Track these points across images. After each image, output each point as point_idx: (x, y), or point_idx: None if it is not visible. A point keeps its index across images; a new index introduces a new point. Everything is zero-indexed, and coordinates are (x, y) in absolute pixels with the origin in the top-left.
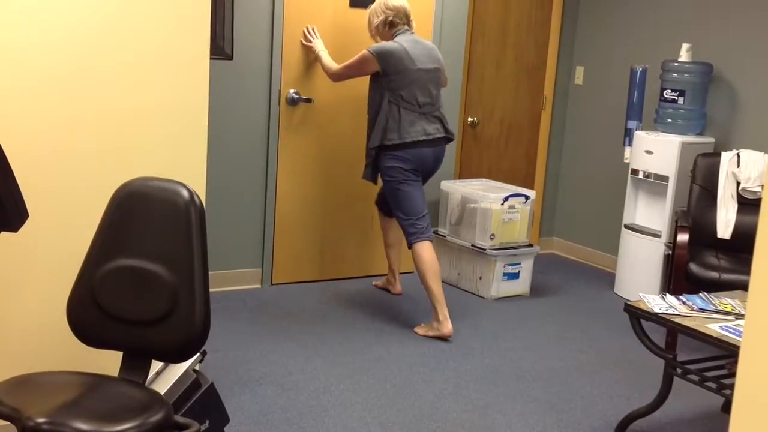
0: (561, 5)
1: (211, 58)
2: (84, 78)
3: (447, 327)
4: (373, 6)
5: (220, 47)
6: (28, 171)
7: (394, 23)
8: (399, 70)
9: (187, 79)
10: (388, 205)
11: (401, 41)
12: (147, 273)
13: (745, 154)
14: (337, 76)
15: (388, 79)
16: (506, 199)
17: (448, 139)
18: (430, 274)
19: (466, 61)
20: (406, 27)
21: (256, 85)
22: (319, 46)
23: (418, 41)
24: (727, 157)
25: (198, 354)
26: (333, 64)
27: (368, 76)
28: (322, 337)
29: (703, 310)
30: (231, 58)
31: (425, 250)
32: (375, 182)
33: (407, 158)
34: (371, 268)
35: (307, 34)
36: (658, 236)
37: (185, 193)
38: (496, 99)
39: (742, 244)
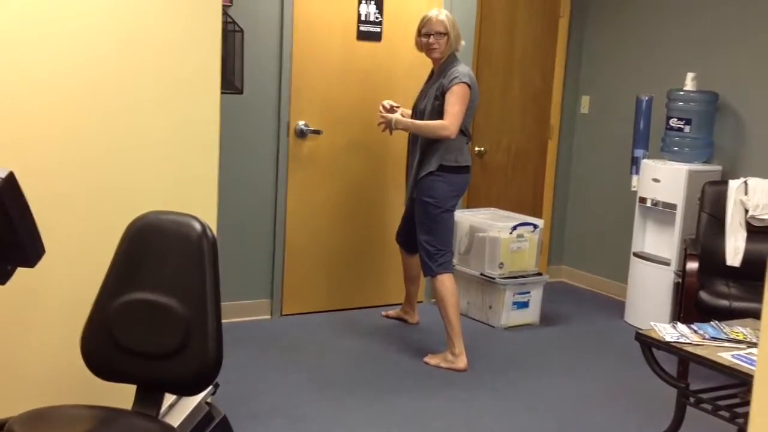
0: (566, 35)
1: (221, 93)
2: (96, 114)
3: (462, 361)
4: (449, 17)
5: (231, 82)
6: (42, 206)
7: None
8: (475, 96)
9: (199, 114)
10: (410, 242)
11: (468, 69)
12: (160, 306)
13: (752, 181)
14: (454, 125)
15: (468, 105)
16: (515, 228)
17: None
18: (452, 306)
19: None
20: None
21: (265, 118)
22: (399, 118)
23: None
24: (734, 185)
25: (211, 387)
26: (436, 121)
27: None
28: (333, 368)
29: (714, 338)
30: (241, 92)
31: (450, 281)
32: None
33: (458, 182)
34: (382, 298)
35: (385, 119)
36: (668, 264)
37: (198, 226)
38: (503, 128)
39: (752, 271)
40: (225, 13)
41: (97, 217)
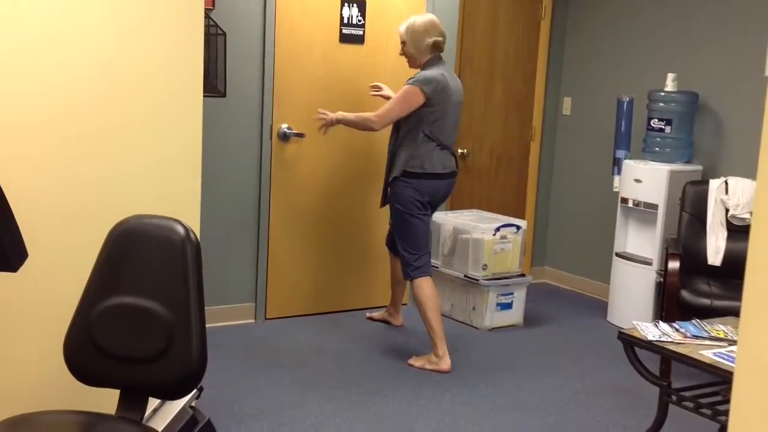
0: (547, 37)
1: (204, 96)
2: (77, 118)
3: (446, 362)
4: (417, 22)
5: (213, 85)
6: (24, 210)
7: (439, 46)
8: (440, 101)
9: (181, 118)
10: (394, 244)
11: (443, 71)
12: (143, 310)
13: (732, 181)
14: (383, 119)
15: (430, 110)
16: (498, 229)
17: (457, 173)
18: (431, 310)
19: None
20: (441, 57)
21: (248, 121)
22: (340, 114)
23: (453, 74)
24: (715, 185)
25: (195, 391)
26: (367, 113)
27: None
28: (318, 371)
29: (696, 336)
30: (224, 95)
31: (428, 284)
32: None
33: (423, 189)
34: (366, 301)
35: (323, 116)
36: (649, 264)
37: (181, 230)
38: (486, 130)
39: (733, 270)
40: (207, 17)
41: (78, 222)
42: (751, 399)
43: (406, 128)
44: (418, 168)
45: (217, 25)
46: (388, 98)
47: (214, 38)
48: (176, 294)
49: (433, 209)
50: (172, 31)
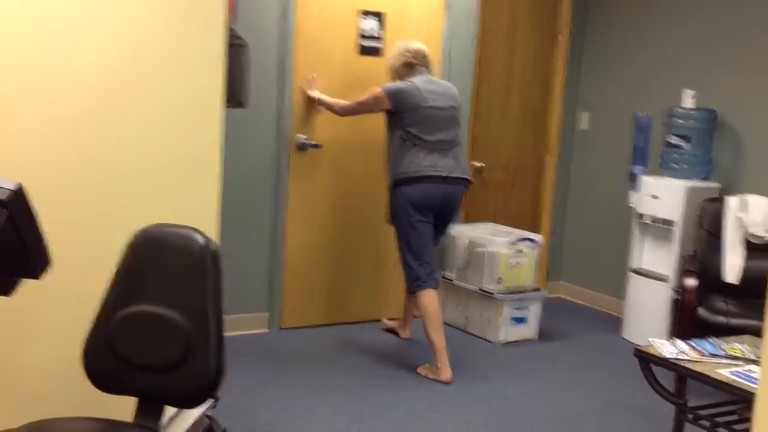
0: (566, 51)
1: (226, 107)
2: (100, 130)
3: (446, 374)
4: (393, 49)
5: (234, 96)
6: (45, 217)
7: (411, 64)
8: (411, 108)
9: (202, 129)
10: None
11: (415, 80)
12: (162, 319)
13: (750, 199)
14: (347, 111)
15: (401, 116)
16: (514, 243)
17: (465, 180)
18: (430, 323)
19: (473, 105)
20: (423, 68)
21: (266, 132)
22: (318, 93)
23: (434, 81)
24: (732, 202)
25: (212, 400)
26: (338, 103)
27: (382, 117)
28: (331, 382)
29: (713, 355)
30: (245, 106)
31: (427, 298)
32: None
33: (413, 193)
34: (380, 313)
35: (309, 83)
36: (665, 280)
37: (200, 240)
38: (502, 143)
39: (751, 288)
40: (229, 28)
41: (99, 231)
42: None
43: (387, 135)
44: (402, 174)
45: (239, 36)
46: (313, 96)
47: (235, 49)
48: (195, 303)
49: (435, 216)
50: (193, 44)
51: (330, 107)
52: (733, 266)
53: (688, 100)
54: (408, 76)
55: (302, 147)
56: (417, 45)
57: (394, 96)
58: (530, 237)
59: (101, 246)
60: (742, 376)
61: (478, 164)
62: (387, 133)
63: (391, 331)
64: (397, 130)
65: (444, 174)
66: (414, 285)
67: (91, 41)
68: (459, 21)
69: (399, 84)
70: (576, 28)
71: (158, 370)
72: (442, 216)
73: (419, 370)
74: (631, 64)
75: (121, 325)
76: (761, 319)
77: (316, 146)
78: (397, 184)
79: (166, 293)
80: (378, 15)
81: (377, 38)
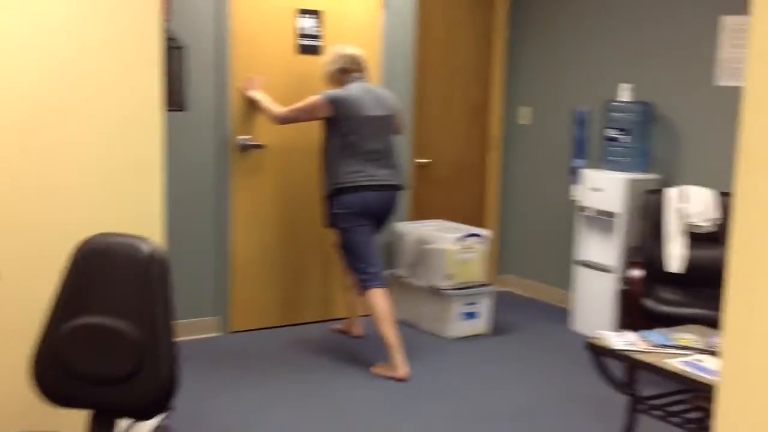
0: (503, 47)
1: (167, 111)
2: (38, 136)
3: (402, 370)
4: (327, 54)
5: (174, 99)
6: None
7: (347, 70)
8: (349, 116)
9: (142, 133)
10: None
11: (352, 88)
12: (111, 330)
13: (689, 189)
14: (283, 119)
15: (339, 125)
16: (462, 238)
17: (398, 187)
18: (382, 321)
19: (416, 103)
20: (359, 74)
21: (206, 134)
22: (258, 94)
23: (370, 89)
24: (672, 193)
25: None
26: (277, 107)
27: (317, 122)
28: (285, 383)
29: (662, 345)
30: (184, 109)
31: (377, 297)
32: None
33: (352, 203)
34: (332, 312)
35: (249, 83)
36: (611, 272)
37: (146, 248)
38: (446, 140)
39: (694, 278)
40: (165, 30)
41: (40, 241)
42: (736, 411)
43: (325, 145)
44: (340, 184)
45: (175, 39)
46: (252, 97)
47: (173, 51)
48: (144, 313)
49: (374, 220)
50: (128, 44)
51: (267, 112)
52: (675, 256)
53: (625, 93)
54: (344, 82)
55: (244, 148)
56: (352, 50)
57: (333, 103)
58: (478, 232)
59: (42, 257)
60: (692, 366)
61: (423, 161)
62: (323, 141)
63: (342, 331)
64: (334, 139)
65: (381, 183)
66: (365, 285)
67: (26, 49)
68: (398, 19)
69: (338, 91)
70: (513, 24)
71: (110, 382)
72: (379, 219)
73: (374, 369)
74: (568, 58)
75: (69, 338)
76: (706, 307)
77: (258, 147)
78: (335, 193)
79: (113, 304)
80: (316, 13)
81: (316, 37)
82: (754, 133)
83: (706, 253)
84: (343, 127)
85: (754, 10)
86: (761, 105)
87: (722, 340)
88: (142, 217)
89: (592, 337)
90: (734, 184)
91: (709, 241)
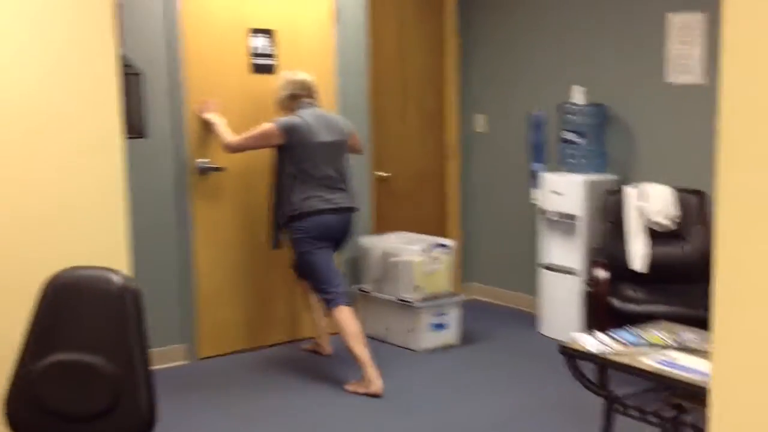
0: (455, 56)
1: (127, 138)
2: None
3: (376, 385)
4: (278, 80)
5: (134, 126)
6: None
7: (297, 96)
8: (301, 143)
9: (104, 162)
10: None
11: (303, 115)
12: (85, 366)
13: (648, 187)
14: (236, 148)
15: (292, 152)
16: (427, 249)
17: (354, 209)
18: (351, 338)
19: (372, 117)
20: (309, 100)
21: (164, 159)
22: (214, 117)
23: (320, 115)
24: (631, 192)
25: None
26: (230, 135)
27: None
28: (258, 407)
29: (634, 344)
30: (144, 136)
31: (343, 314)
32: (276, 248)
33: (309, 227)
34: (300, 332)
35: (204, 105)
36: (575, 274)
37: (117, 280)
38: (404, 152)
39: (658, 275)
40: (122, 56)
41: (5, 276)
42: (729, 412)
43: (277, 171)
44: (296, 210)
45: (132, 65)
46: (208, 120)
47: (130, 78)
48: (118, 347)
49: (332, 242)
50: (85, 74)
51: (220, 139)
52: (638, 254)
53: (578, 95)
54: (294, 108)
55: (203, 171)
56: (302, 76)
57: (286, 131)
58: (442, 242)
59: (8, 291)
60: (667, 364)
61: (383, 174)
62: (276, 168)
63: (312, 351)
64: (287, 165)
65: (337, 206)
66: (330, 305)
67: None
68: (349, 34)
69: (290, 119)
70: (463, 33)
71: (87, 418)
72: (337, 242)
73: (347, 387)
74: (521, 62)
75: (43, 375)
76: (672, 303)
77: (217, 169)
78: (292, 219)
79: (86, 339)
80: (268, 32)
81: (269, 56)
82: (732, 130)
83: (668, 249)
84: (296, 155)
85: (725, 9)
86: (737, 102)
87: (712, 340)
88: (108, 248)
89: (566, 341)
90: (715, 182)
91: (670, 237)
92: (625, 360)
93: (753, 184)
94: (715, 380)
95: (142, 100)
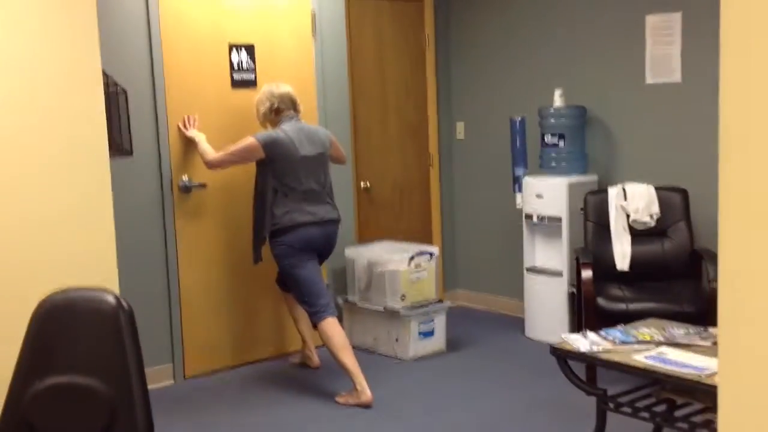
0: (434, 65)
1: (112, 157)
2: None
3: (366, 395)
4: (259, 93)
5: (119, 144)
6: None
7: (279, 110)
8: (284, 157)
9: (90, 181)
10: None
11: (286, 129)
12: (81, 388)
13: (629, 187)
14: (218, 164)
15: (274, 166)
16: (412, 258)
17: (337, 221)
18: (339, 349)
19: (353, 128)
20: (292, 113)
21: (146, 177)
22: (195, 134)
23: (303, 128)
24: (613, 192)
25: None
26: (212, 152)
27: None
28: (248, 425)
29: (624, 342)
30: (130, 153)
31: (330, 326)
32: (257, 263)
33: (293, 240)
34: (286, 346)
35: (185, 122)
36: (560, 275)
37: (111, 300)
38: (386, 161)
39: (643, 273)
40: (105, 74)
41: None
42: (737, 409)
43: (260, 186)
44: (279, 225)
45: (117, 84)
46: (190, 137)
47: (114, 96)
48: (114, 367)
49: (316, 255)
50: (69, 93)
51: (202, 155)
52: (622, 254)
53: (557, 98)
54: (276, 122)
55: (186, 189)
56: (284, 89)
57: (267, 146)
58: (427, 250)
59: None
60: (658, 360)
61: (366, 184)
62: (258, 182)
63: (300, 364)
64: (269, 180)
65: (318, 219)
66: (315, 318)
67: None
68: (329, 46)
69: (272, 133)
70: (440, 41)
71: None
72: (321, 254)
73: (338, 399)
74: (499, 68)
75: (37, 399)
76: (657, 300)
77: (200, 186)
78: (276, 233)
79: (81, 361)
80: (248, 47)
81: (250, 70)
82: (732, 130)
83: (652, 247)
84: (278, 169)
85: (724, 8)
86: (738, 102)
87: (718, 337)
88: (97, 268)
89: (557, 342)
90: (719, 180)
91: (653, 235)
92: (617, 358)
93: (756, 183)
94: (722, 379)
95: (127, 117)
